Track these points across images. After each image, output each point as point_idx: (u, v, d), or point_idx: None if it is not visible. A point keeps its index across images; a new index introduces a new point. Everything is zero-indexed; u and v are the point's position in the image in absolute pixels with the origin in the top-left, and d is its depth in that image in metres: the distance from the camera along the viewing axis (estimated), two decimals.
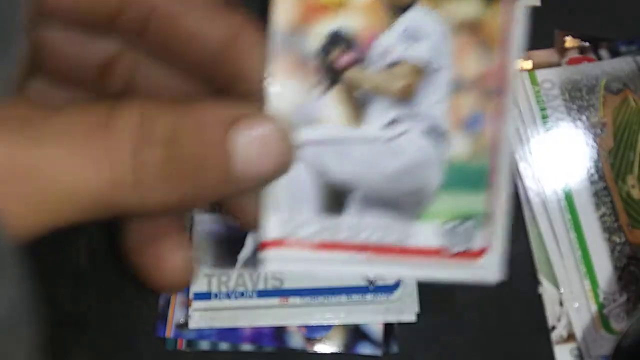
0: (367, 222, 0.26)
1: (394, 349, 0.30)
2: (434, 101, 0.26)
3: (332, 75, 0.26)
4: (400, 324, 0.30)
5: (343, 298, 0.30)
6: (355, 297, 0.30)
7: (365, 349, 0.30)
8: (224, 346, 0.30)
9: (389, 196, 0.26)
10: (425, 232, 0.26)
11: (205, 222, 0.32)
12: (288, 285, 0.30)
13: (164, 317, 0.31)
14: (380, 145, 0.26)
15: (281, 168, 0.21)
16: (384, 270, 0.26)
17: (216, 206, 0.31)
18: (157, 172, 0.17)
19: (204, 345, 0.30)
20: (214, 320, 0.30)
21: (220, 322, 0.30)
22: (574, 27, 0.35)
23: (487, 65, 0.26)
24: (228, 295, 0.30)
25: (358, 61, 0.26)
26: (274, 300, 0.30)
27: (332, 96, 0.26)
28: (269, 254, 0.25)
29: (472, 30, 0.26)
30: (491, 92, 0.26)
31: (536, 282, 0.31)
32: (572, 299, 0.31)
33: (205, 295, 0.30)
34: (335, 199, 0.26)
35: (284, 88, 0.25)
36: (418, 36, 0.26)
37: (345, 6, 0.26)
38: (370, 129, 0.26)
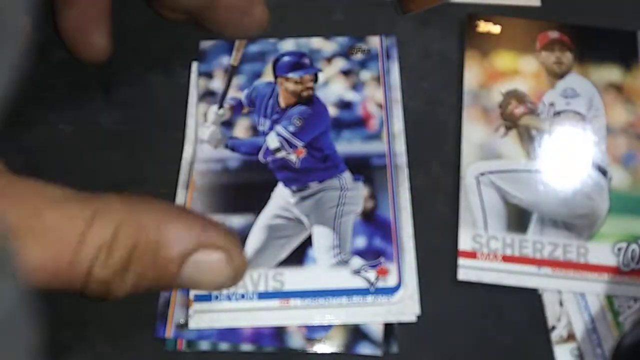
0: (548, 240, 0.32)
1: (394, 349, 0.30)
2: (595, 142, 0.33)
3: (510, 121, 0.34)
4: (400, 324, 0.30)
5: (344, 300, 0.30)
6: (356, 299, 0.30)
7: (365, 349, 0.30)
8: (224, 346, 0.30)
9: (565, 218, 0.32)
10: (600, 251, 0.31)
11: None
12: (288, 287, 0.30)
13: (163, 318, 0.31)
14: (554, 174, 0.33)
15: (223, 287, 0.24)
16: (566, 284, 0.31)
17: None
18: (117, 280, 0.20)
19: (204, 345, 0.30)
20: (214, 322, 0.30)
21: (220, 323, 0.30)
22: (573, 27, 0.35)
23: (634, 115, 0.34)
24: (228, 297, 0.30)
25: (531, 111, 0.34)
26: (275, 302, 0.30)
27: (511, 137, 0.33)
28: (462, 263, 0.31)
29: (617, 89, 0.34)
30: None
31: None
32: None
33: (205, 297, 0.30)
34: (519, 219, 0.32)
35: (473, 131, 0.33)
36: (575, 94, 0.34)
37: (517, 73, 0.35)
38: (542, 162, 0.33)
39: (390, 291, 0.31)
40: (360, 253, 0.31)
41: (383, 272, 0.31)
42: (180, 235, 0.21)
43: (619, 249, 0.31)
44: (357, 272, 0.31)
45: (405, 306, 0.30)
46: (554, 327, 0.31)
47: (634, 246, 0.31)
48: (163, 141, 0.34)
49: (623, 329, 0.30)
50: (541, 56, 0.35)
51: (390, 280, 0.31)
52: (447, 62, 0.36)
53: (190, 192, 0.32)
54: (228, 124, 0.34)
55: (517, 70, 0.35)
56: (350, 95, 0.35)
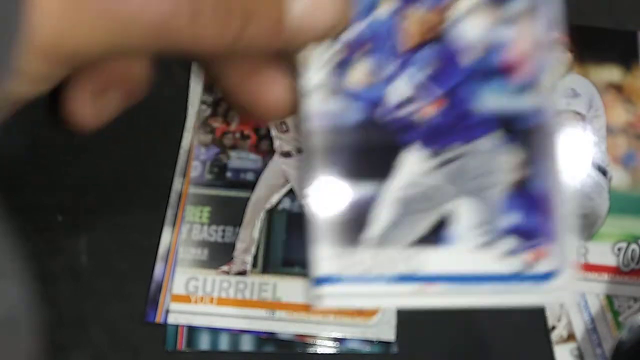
0: None
1: (394, 349, 0.30)
2: (595, 142, 0.33)
3: None
4: (399, 324, 0.30)
5: (489, 286, 0.26)
6: (504, 285, 0.26)
7: (354, 344, 0.30)
8: (223, 346, 0.30)
9: None
10: (600, 251, 0.31)
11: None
12: (426, 270, 0.26)
13: (154, 303, 0.31)
14: None
15: (335, 26, 0.21)
16: None
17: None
18: (211, 8, 0.18)
19: (204, 345, 0.30)
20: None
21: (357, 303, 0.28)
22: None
23: (634, 115, 0.34)
24: (358, 280, 0.26)
25: None
26: (412, 287, 0.26)
27: None
28: None
29: (617, 89, 0.34)
30: None
31: None
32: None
33: (330, 280, 0.26)
34: None
35: None
36: (575, 94, 0.33)
37: None
38: None
39: (545, 277, 0.26)
40: (510, 232, 0.26)
41: (538, 255, 0.26)
42: None
43: (619, 249, 0.31)
44: (506, 254, 0.26)
45: (562, 295, 0.26)
46: (554, 327, 0.31)
47: (634, 246, 0.31)
48: (163, 141, 0.34)
49: (623, 328, 0.30)
50: None
51: (546, 265, 0.26)
52: None
53: (187, 181, 0.33)
54: (342, 66, 0.26)
55: None
56: (498, 33, 0.26)
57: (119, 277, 0.32)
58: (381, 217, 0.27)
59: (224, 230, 0.32)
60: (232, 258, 0.31)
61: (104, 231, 0.33)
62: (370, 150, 0.27)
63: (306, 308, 0.30)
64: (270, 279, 0.31)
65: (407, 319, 0.31)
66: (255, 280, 0.31)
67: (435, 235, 0.26)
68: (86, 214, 0.33)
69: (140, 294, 0.31)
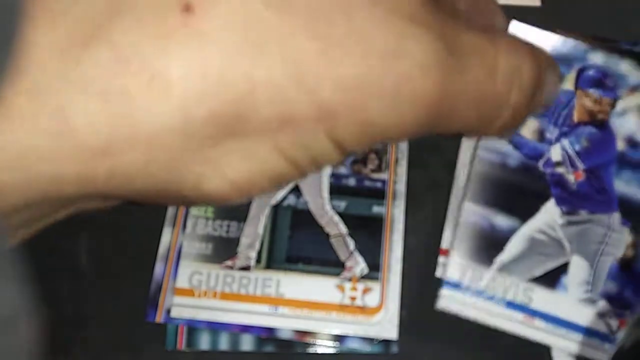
0: None
1: (394, 348, 0.30)
2: None
3: None
4: (401, 323, 0.30)
5: (582, 337, 0.30)
6: (594, 341, 0.30)
7: (355, 344, 0.30)
8: (223, 346, 0.30)
9: None
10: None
11: (472, 213, 0.31)
12: (535, 305, 0.30)
13: (154, 303, 0.31)
14: None
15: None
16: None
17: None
18: (517, 113, 0.19)
19: (204, 344, 0.30)
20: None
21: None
22: (574, 28, 0.35)
23: None
24: (478, 293, 0.31)
25: None
26: (519, 316, 0.30)
27: None
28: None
29: None
30: None
31: None
32: None
33: (455, 285, 0.30)
34: None
35: None
36: None
37: None
38: None
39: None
40: (608, 298, 0.30)
41: (622, 324, 0.30)
42: (541, 53, 0.20)
43: None
44: (601, 315, 0.30)
45: None
46: None
47: None
48: None
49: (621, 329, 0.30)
50: None
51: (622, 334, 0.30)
52: None
53: None
54: None
55: None
56: None
57: (119, 277, 0.32)
58: (513, 248, 0.31)
59: (228, 225, 0.32)
60: (236, 253, 0.31)
61: (104, 231, 0.33)
62: (522, 192, 0.32)
63: (309, 304, 0.30)
64: (273, 275, 0.31)
65: (408, 318, 0.31)
66: (259, 275, 0.31)
67: (550, 279, 0.31)
68: (86, 214, 0.33)
69: (140, 294, 0.31)
